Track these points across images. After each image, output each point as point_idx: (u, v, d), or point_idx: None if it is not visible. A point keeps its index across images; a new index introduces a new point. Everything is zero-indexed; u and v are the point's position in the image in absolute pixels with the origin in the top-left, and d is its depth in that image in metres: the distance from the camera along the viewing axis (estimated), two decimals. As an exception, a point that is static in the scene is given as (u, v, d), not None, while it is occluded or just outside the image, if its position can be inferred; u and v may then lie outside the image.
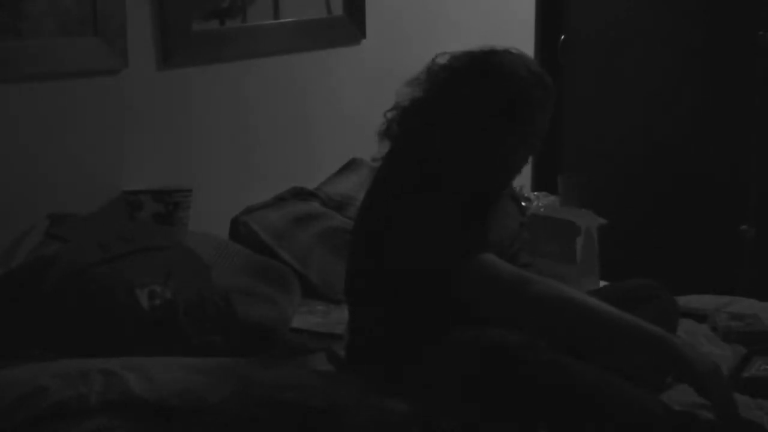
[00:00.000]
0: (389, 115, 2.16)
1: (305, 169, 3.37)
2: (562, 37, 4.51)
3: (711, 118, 4.22)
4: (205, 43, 3.00)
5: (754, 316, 2.60)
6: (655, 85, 4.34)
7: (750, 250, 3.86)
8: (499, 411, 1.85)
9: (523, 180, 4.31)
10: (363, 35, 3.60)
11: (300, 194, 3.17)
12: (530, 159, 2.21)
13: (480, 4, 4.18)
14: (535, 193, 4.16)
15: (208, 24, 3.01)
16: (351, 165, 3.44)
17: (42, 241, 2.47)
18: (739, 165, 3.97)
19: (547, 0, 4.56)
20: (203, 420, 1.86)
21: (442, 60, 2.12)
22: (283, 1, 3.25)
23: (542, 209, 3.91)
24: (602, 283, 2.98)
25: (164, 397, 1.88)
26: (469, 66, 2.08)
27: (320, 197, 3.19)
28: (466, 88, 2.07)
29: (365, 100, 3.62)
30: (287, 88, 3.33)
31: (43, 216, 2.52)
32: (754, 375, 2.28)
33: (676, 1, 4.32)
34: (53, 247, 2.39)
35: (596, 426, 1.83)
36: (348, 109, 3.56)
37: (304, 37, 3.37)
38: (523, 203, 2.39)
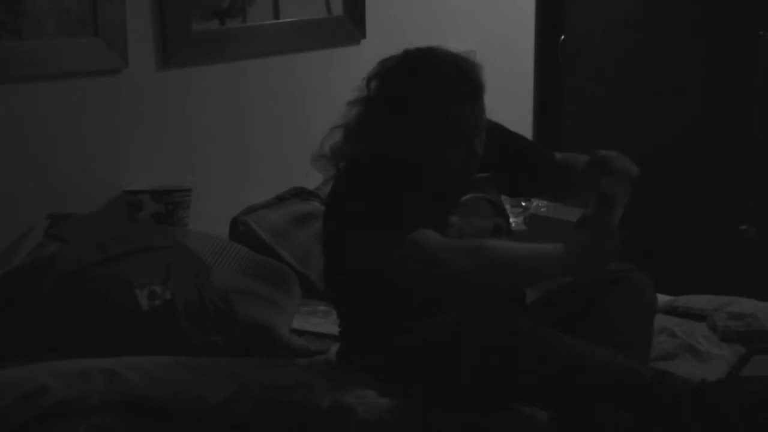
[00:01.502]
0: (334, 137, 2.23)
1: (305, 169, 3.36)
2: (562, 37, 4.51)
3: (711, 118, 4.21)
4: (205, 43, 3.00)
5: (753, 315, 2.59)
6: (655, 85, 4.34)
7: (750, 250, 3.86)
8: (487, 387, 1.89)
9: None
10: (363, 35, 3.60)
11: (300, 194, 3.17)
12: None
13: (480, 4, 4.18)
14: (535, 193, 4.16)
15: (208, 24, 3.01)
16: (351, 165, 3.44)
17: (42, 241, 2.47)
18: (739, 165, 3.97)
19: (547, 0, 4.56)
20: (203, 420, 1.86)
21: (374, 69, 2.20)
22: (283, 1, 3.25)
23: (542, 209, 3.90)
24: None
25: (164, 397, 1.88)
26: (397, 66, 2.16)
27: (320, 197, 3.19)
28: (395, 87, 2.14)
29: (365, 100, 3.62)
30: (287, 88, 3.33)
31: (43, 216, 2.52)
32: (753, 375, 2.28)
33: (676, 1, 4.32)
34: (53, 247, 2.39)
35: (584, 392, 1.86)
36: (348, 109, 3.56)
37: (304, 37, 3.37)
38: (502, 206, 2.40)
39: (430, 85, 2.10)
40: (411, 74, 2.13)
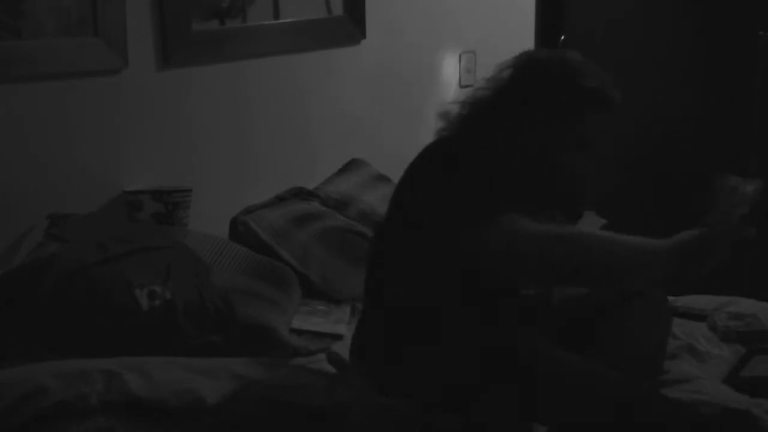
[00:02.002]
0: (454, 112, 2.08)
1: (305, 169, 3.37)
2: (562, 37, 4.51)
3: (711, 118, 4.22)
4: (205, 43, 3.00)
5: (753, 315, 2.60)
6: (655, 85, 4.34)
7: (750, 250, 3.86)
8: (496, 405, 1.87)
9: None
10: (363, 35, 3.60)
11: (300, 194, 3.17)
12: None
13: (480, 4, 4.18)
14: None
15: (208, 24, 3.01)
16: (351, 165, 3.45)
17: (42, 241, 2.47)
18: (739, 165, 3.97)
19: (547, 0, 4.56)
20: (203, 420, 1.87)
21: (513, 59, 2.08)
22: (283, 1, 3.25)
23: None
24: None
25: (164, 397, 1.88)
26: (546, 60, 2.07)
27: (320, 197, 3.19)
28: (533, 86, 2.03)
29: (365, 100, 3.62)
30: (287, 88, 3.33)
31: (43, 216, 2.52)
32: (754, 375, 2.28)
33: (676, 1, 4.32)
34: (53, 247, 2.39)
35: (591, 414, 1.84)
36: (348, 109, 3.56)
37: (304, 37, 3.37)
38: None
39: (585, 87, 2.01)
40: (567, 75, 2.03)
